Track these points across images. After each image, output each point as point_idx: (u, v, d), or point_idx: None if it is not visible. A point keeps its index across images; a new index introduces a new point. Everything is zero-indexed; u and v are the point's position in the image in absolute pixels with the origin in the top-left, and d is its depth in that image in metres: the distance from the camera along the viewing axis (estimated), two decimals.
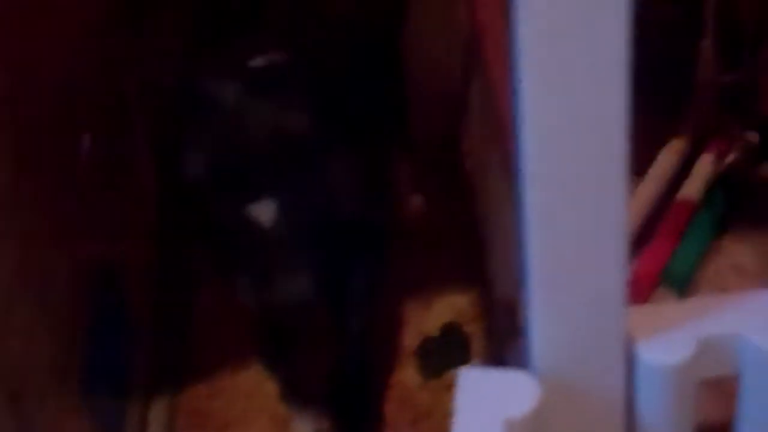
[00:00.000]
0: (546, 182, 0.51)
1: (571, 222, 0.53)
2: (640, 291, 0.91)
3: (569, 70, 0.48)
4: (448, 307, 1.01)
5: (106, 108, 1.05)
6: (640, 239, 0.98)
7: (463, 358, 0.98)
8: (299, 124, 0.75)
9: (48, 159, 0.89)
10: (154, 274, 1.11)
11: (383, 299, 0.97)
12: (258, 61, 0.73)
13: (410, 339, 1.00)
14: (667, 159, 1.03)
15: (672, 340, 0.54)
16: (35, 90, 0.86)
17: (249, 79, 0.73)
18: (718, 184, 1.01)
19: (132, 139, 1.12)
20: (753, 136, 1.05)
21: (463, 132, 1.08)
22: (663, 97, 1.06)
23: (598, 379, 0.56)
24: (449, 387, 0.98)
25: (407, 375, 0.98)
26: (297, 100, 0.75)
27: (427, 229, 1.08)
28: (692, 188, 1.01)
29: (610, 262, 0.54)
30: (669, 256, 0.94)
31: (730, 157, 1.05)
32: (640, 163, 1.03)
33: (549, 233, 0.53)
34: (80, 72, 0.99)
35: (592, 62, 0.48)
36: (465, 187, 1.07)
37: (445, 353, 0.99)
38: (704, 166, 1.03)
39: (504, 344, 0.91)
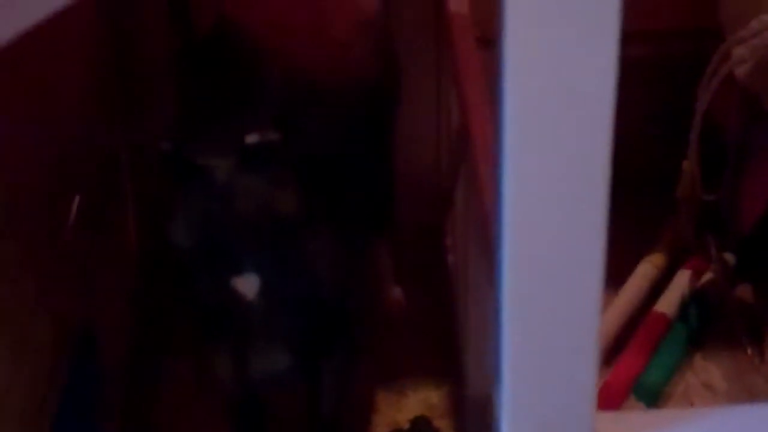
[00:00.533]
0: (521, 286, 0.53)
1: (543, 326, 0.54)
2: (611, 401, 0.92)
3: (551, 175, 0.50)
4: (419, 400, 1.02)
5: (97, 172, 1.07)
6: (614, 350, 0.99)
7: None
8: (287, 203, 0.76)
9: (36, 218, 0.90)
10: (130, 340, 1.11)
11: (356, 385, 0.97)
12: (252, 138, 0.74)
13: (380, 429, 1.00)
14: (644, 272, 1.05)
15: None
16: (28, 150, 0.88)
17: (242, 155, 0.74)
18: (693, 301, 1.03)
19: (119, 205, 1.13)
20: (730, 257, 1.08)
21: (447, 227, 1.10)
22: (643, 212, 1.09)
23: None
24: None
25: None
26: (287, 179, 0.76)
27: (405, 321, 1.09)
28: (667, 303, 1.02)
29: (580, 368, 0.55)
30: (641, 368, 0.95)
31: (707, 276, 1.07)
32: (617, 274, 1.06)
33: (522, 336, 0.54)
34: (74, 135, 1.01)
35: (572, 170, 0.50)
36: (445, 282, 1.08)
37: None
38: (680, 283, 1.05)
39: None
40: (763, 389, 0.97)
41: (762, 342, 1.00)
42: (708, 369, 0.99)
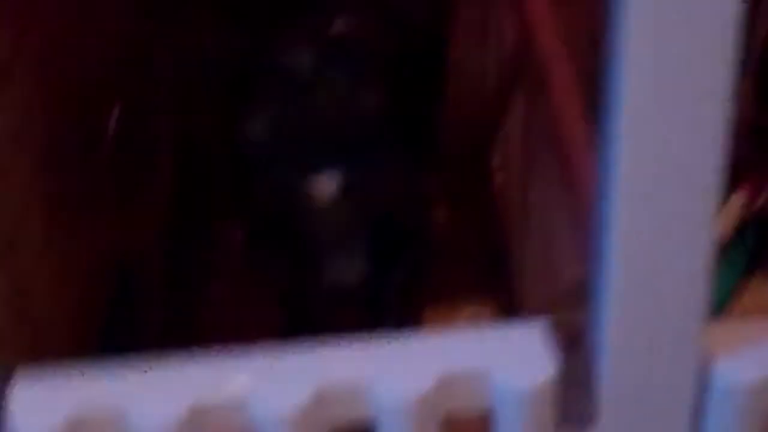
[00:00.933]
0: (633, 190, 0.50)
1: (656, 232, 0.51)
2: None
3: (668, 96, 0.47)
4: (468, 320, 1.00)
5: (138, 81, 1.03)
6: None
7: None
8: (369, 100, 0.73)
9: (76, 127, 0.87)
10: (167, 261, 1.09)
11: (413, 306, 0.96)
12: (337, 28, 0.71)
13: None
14: None
15: (751, 359, 0.53)
16: (69, 55, 0.84)
17: (326, 46, 0.71)
18: (750, 223, 1.00)
19: (158, 118, 1.09)
20: None
21: (495, 146, 1.07)
22: None
23: (667, 394, 0.54)
24: None
25: None
26: (370, 74, 0.73)
27: (451, 242, 1.06)
28: (722, 226, 1.00)
29: (693, 274, 0.52)
30: None
31: (763, 198, 1.04)
32: None
33: (630, 241, 0.51)
34: (115, 40, 0.97)
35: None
36: (492, 201, 1.05)
37: None
38: (735, 205, 1.02)
39: None
40: None
41: None
42: (766, 292, 0.97)
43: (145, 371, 0.52)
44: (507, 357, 0.56)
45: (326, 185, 0.75)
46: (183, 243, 1.08)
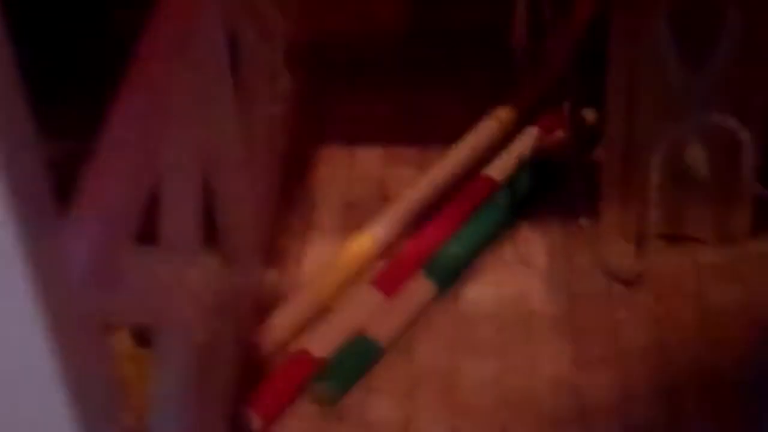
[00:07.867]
0: None
1: None
2: (399, 276, 0.82)
3: None
4: None
5: None
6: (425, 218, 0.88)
7: None
8: None
9: None
10: None
11: None
12: None
13: None
14: (484, 129, 0.95)
15: None
16: None
17: None
18: (530, 163, 0.93)
19: None
20: (589, 113, 0.97)
21: None
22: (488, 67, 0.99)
23: None
24: None
25: None
26: None
27: None
28: (501, 165, 0.93)
29: None
30: (443, 239, 0.85)
31: (554, 135, 0.96)
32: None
33: None
34: None
35: None
36: None
37: None
38: (522, 142, 0.95)
39: None
40: (588, 268, 0.88)
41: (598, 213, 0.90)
42: (530, 242, 0.90)
43: None
44: None
45: None
46: None
